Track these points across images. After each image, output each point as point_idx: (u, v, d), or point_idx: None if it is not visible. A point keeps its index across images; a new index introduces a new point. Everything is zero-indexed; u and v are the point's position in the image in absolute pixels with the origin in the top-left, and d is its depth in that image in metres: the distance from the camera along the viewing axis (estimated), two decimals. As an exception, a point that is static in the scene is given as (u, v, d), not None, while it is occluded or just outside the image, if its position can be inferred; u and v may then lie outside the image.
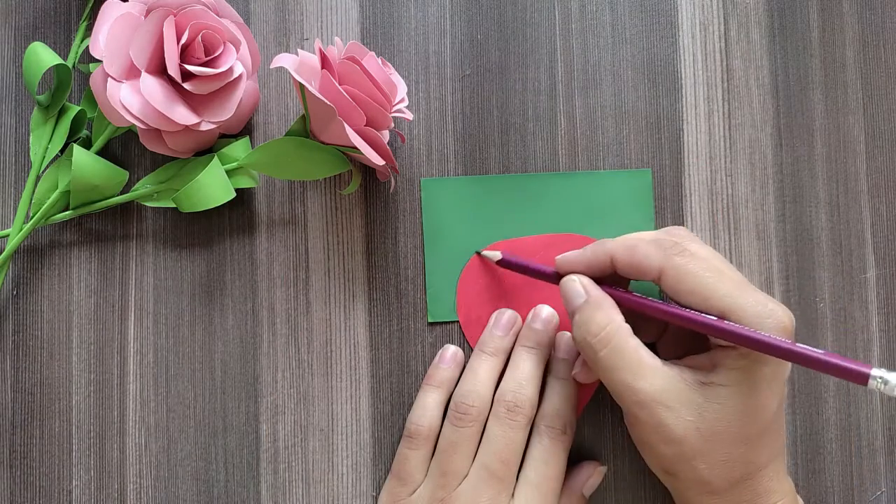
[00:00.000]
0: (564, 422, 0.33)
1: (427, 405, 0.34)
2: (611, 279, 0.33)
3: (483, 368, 0.34)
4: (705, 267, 0.30)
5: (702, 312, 0.30)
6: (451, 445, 0.33)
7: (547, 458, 0.33)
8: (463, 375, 0.35)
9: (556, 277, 0.34)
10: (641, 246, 0.31)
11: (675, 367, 0.30)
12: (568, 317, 0.33)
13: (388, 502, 0.34)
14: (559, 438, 0.33)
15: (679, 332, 0.34)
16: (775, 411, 0.30)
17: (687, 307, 0.30)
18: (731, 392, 0.29)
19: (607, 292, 0.32)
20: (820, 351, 0.28)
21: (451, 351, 0.36)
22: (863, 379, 0.27)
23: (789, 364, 0.30)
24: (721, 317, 0.29)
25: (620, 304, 0.32)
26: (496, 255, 0.35)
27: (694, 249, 0.30)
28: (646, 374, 0.30)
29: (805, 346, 0.28)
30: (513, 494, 0.32)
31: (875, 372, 0.27)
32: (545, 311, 0.35)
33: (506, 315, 0.35)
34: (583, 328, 0.31)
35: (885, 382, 0.26)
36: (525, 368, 0.34)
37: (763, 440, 0.30)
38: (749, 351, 0.29)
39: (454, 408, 0.33)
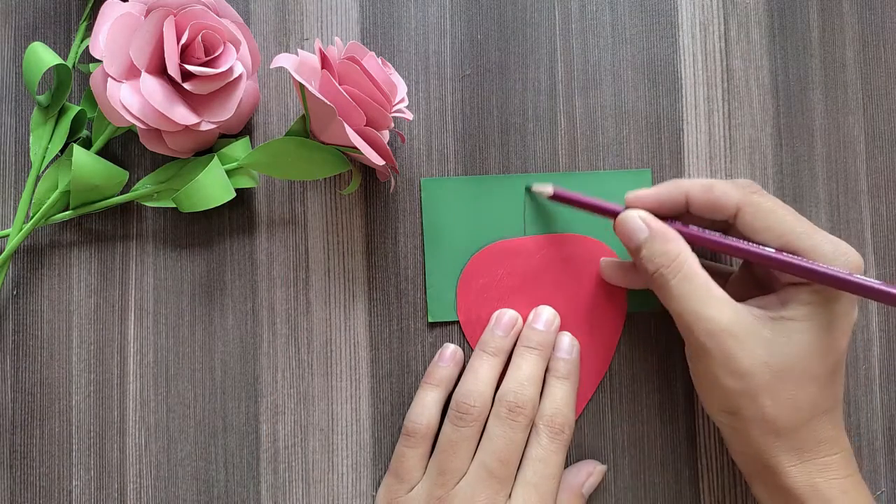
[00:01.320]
0: (563, 422, 0.33)
1: (426, 403, 0.34)
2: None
3: (484, 368, 0.34)
4: (781, 206, 0.31)
5: (775, 250, 0.30)
6: (451, 445, 0.33)
7: (545, 457, 0.33)
8: (464, 375, 0.35)
9: (619, 212, 0.33)
10: (720, 184, 0.32)
11: (743, 304, 0.31)
12: (630, 251, 0.33)
13: (385, 500, 0.34)
14: (558, 438, 0.33)
15: (742, 278, 0.34)
16: (843, 352, 0.30)
17: (762, 242, 0.31)
18: (803, 327, 0.29)
19: (683, 231, 0.32)
20: (877, 282, 0.28)
21: (451, 350, 0.36)
22: None
23: (856, 307, 0.31)
24: (796, 254, 0.30)
25: (688, 241, 0.32)
26: (547, 188, 0.35)
27: (768, 194, 0.32)
28: (715, 304, 0.30)
29: (883, 282, 0.28)
30: (510, 494, 0.32)
31: None
32: (547, 312, 0.35)
33: (507, 315, 0.35)
34: (655, 258, 0.31)
35: None
36: (526, 369, 0.34)
37: (830, 382, 0.30)
38: (822, 288, 0.29)
39: (455, 407, 0.33)
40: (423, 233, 0.37)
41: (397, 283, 0.37)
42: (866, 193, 0.37)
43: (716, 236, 0.32)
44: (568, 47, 0.38)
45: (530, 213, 0.37)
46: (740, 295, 0.32)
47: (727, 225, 0.32)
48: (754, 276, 0.34)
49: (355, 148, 0.31)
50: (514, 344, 0.35)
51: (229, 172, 0.35)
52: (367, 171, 0.37)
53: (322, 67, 0.32)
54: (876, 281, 0.28)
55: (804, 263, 0.29)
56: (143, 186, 0.35)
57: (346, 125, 0.31)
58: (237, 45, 0.34)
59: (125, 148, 0.37)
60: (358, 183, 0.36)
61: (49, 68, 0.34)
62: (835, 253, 0.30)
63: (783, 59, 0.38)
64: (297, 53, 0.33)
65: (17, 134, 0.37)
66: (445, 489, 0.32)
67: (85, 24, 0.36)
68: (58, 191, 0.34)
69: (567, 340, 0.35)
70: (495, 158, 0.37)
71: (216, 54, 0.33)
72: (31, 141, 0.35)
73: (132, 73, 0.32)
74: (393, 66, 0.36)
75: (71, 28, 0.37)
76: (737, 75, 0.38)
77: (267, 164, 0.34)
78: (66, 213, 0.35)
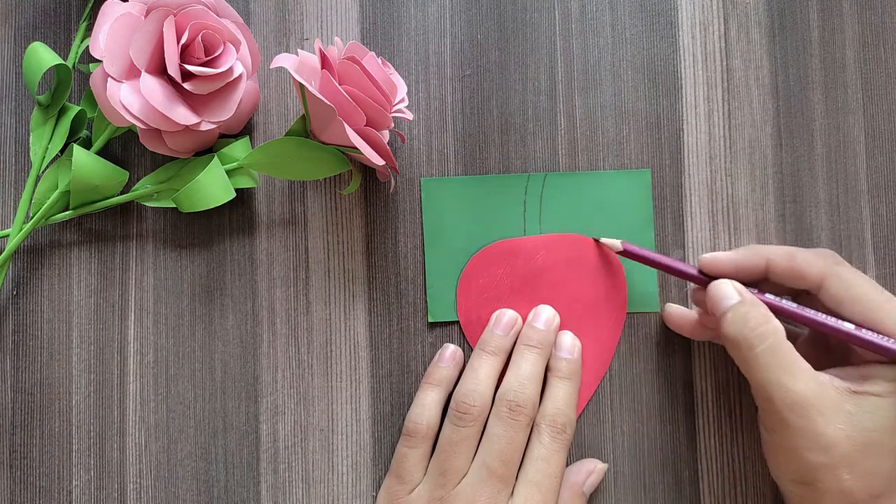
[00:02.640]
0: (565, 421, 0.33)
1: (426, 404, 0.34)
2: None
3: (484, 368, 0.34)
4: (864, 278, 0.31)
5: (859, 325, 0.30)
6: (452, 445, 0.33)
7: (547, 456, 0.33)
8: (463, 375, 0.35)
9: (695, 275, 0.33)
10: (803, 252, 0.32)
11: (826, 375, 0.30)
12: (715, 315, 0.32)
13: (386, 501, 0.34)
14: (560, 437, 0.33)
15: (813, 341, 0.34)
16: None
17: (844, 318, 0.30)
18: (886, 403, 0.29)
19: (760, 300, 0.32)
20: None
21: (451, 350, 0.36)
22: None
23: None
24: (879, 329, 0.30)
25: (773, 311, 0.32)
26: (616, 244, 0.35)
27: (849, 265, 0.31)
28: (800, 376, 0.29)
29: None
30: (512, 493, 0.32)
31: None
32: (547, 311, 0.35)
33: (507, 315, 0.35)
34: (740, 322, 0.31)
35: None
36: (526, 368, 0.34)
37: None
38: None
39: (455, 407, 0.33)
40: (423, 233, 0.37)
41: (397, 283, 0.37)
42: (866, 193, 0.37)
43: (799, 309, 0.31)
44: (568, 47, 0.38)
45: (530, 213, 0.37)
46: (811, 358, 0.32)
47: (803, 293, 0.32)
48: (825, 341, 0.33)
49: (355, 148, 0.31)
50: (514, 344, 0.35)
51: (229, 172, 0.35)
52: (367, 171, 0.37)
53: (322, 67, 0.32)
54: None
55: (889, 345, 0.29)
56: (143, 186, 0.35)
57: (346, 125, 0.31)
58: (237, 45, 0.34)
59: (125, 148, 0.37)
60: (358, 183, 0.36)
61: (49, 68, 0.34)
62: None
63: (783, 59, 0.38)
64: (297, 53, 0.33)
65: (17, 134, 0.37)
66: (447, 489, 0.32)
67: (85, 24, 0.36)
68: (58, 191, 0.34)
69: (569, 340, 0.35)
70: (495, 158, 0.37)
71: (216, 54, 0.33)
72: (31, 141, 0.35)
73: (132, 73, 0.32)
74: (393, 66, 0.36)
75: (71, 28, 0.37)
76: (737, 75, 0.38)
77: (267, 164, 0.34)
78: (66, 213, 0.35)
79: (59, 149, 0.35)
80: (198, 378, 0.36)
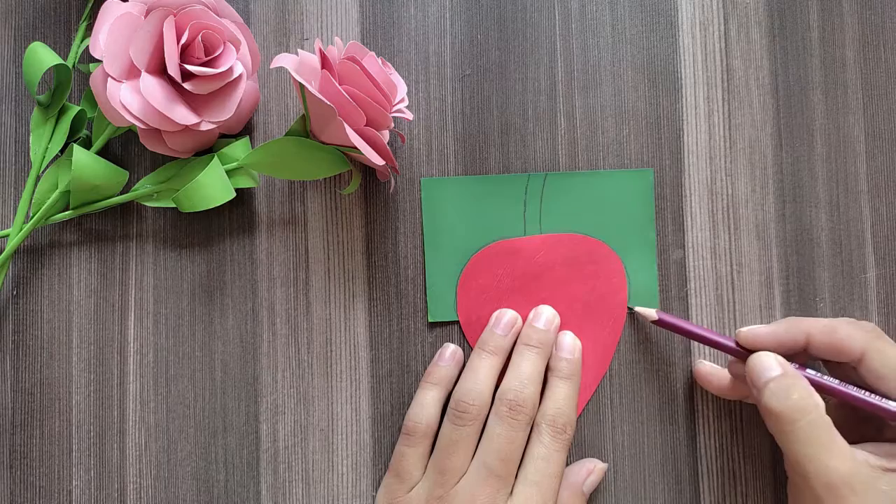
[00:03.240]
0: (566, 421, 0.33)
1: (425, 402, 0.34)
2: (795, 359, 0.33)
3: (483, 367, 0.34)
4: None
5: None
6: (451, 444, 0.33)
7: (548, 456, 0.33)
8: (463, 374, 0.35)
9: (733, 348, 0.33)
10: (843, 326, 0.32)
11: (862, 452, 0.30)
12: (754, 390, 0.32)
13: (385, 500, 0.34)
14: (560, 437, 0.33)
15: (852, 416, 0.33)
16: None
17: (885, 392, 0.30)
18: None
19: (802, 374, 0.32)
20: None
21: (451, 350, 0.36)
22: None
23: None
24: None
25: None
26: (652, 314, 0.35)
27: (887, 337, 0.31)
28: (838, 454, 0.29)
29: None
30: (511, 492, 0.32)
31: None
32: (547, 311, 0.35)
33: (507, 315, 0.35)
34: (782, 395, 0.31)
35: None
36: (526, 367, 0.34)
37: None
38: None
39: (454, 406, 0.33)
40: (423, 233, 0.37)
41: (397, 283, 0.37)
42: (866, 193, 0.37)
43: (841, 386, 0.31)
44: (568, 47, 0.38)
45: (531, 213, 0.37)
46: (843, 427, 0.32)
47: (841, 366, 0.32)
48: (861, 411, 0.33)
49: (355, 148, 0.31)
50: (514, 343, 0.35)
51: (229, 172, 0.35)
52: (367, 171, 0.37)
53: (322, 67, 0.32)
54: None
55: None
56: (143, 186, 0.35)
57: (346, 125, 0.31)
58: (237, 45, 0.34)
59: (125, 148, 0.37)
60: (358, 183, 0.36)
61: (49, 68, 0.34)
62: None
63: (783, 59, 0.38)
64: (297, 53, 0.33)
65: (17, 134, 0.37)
66: (445, 488, 0.32)
67: (85, 24, 0.36)
68: (58, 191, 0.34)
69: (569, 340, 0.35)
70: (495, 158, 0.37)
71: (216, 54, 0.33)
72: (31, 141, 0.35)
73: (132, 73, 0.32)
74: (393, 66, 0.36)
75: (71, 28, 0.37)
76: (737, 75, 0.38)
77: (267, 164, 0.34)
78: (66, 213, 0.35)
79: (59, 149, 0.35)
80: (198, 378, 0.36)
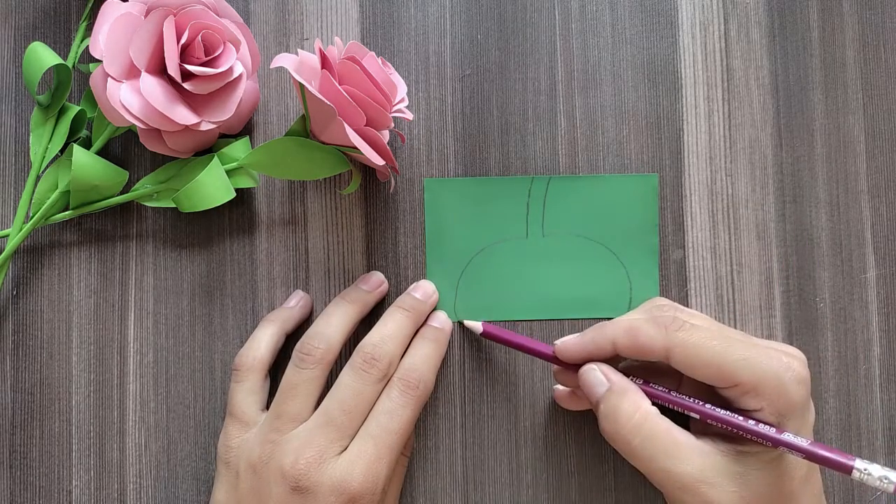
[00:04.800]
0: (419, 378, 0.32)
1: (255, 337, 0.34)
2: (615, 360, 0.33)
3: (337, 313, 0.33)
4: (709, 336, 0.30)
5: (717, 385, 0.30)
6: (291, 387, 0.32)
7: (392, 410, 0.31)
8: (315, 320, 0.34)
9: (553, 357, 0.33)
10: (643, 328, 0.30)
11: (710, 442, 0.30)
12: (592, 407, 0.32)
13: (221, 443, 0.33)
14: (409, 392, 0.32)
15: (693, 383, 0.33)
16: (806, 471, 0.30)
17: (702, 380, 0.30)
18: (770, 457, 0.29)
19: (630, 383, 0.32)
20: (805, 441, 0.28)
21: (300, 295, 0.36)
22: (847, 469, 0.27)
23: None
24: (738, 382, 0.29)
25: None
26: (478, 326, 0.35)
27: (690, 320, 0.31)
28: (684, 456, 0.29)
29: (811, 442, 0.28)
30: (348, 446, 0.31)
31: (859, 464, 0.27)
32: (427, 286, 0.36)
33: (376, 276, 0.36)
34: (611, 418, 0.30)
35: (869, 473, 0.27)
36: (391, 325, 0.33)
37: (808, 494, 0.30)
38: (778, 417, 0.29)
39: (298, 348, 0.33)
40: (424, 233, 0.37)
41: (397, 283, 0.37)
42: (866, 193, 0.37)
43: (669, 394, 0.31)
44: (568, 47, 0.38)
45: (533, 216, 0.37)
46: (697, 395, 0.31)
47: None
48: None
49: (355, 148, 0.31)
50: (377, 304, 0.36)
51: (229, 172, 0.35)
52: (367, 171, 0.37)
53: (322, 67, 0.31)
54: (804, 440, 0.28)
55: (744, 424, 0.29)
56: (143, 186, 0.35)
57: (346, 125, 0.31)
58: (237, 45, 0.34)
59: (125, 148, 0.37)
60: (358, 183, 0.36)
61: (49, 68, 0.34)
62: (777, 371, 0.29)
63: (783, 59, 0.38)
64: (297, 53, 0.33)
65: (17, 134, 0.37)
66: (281, 433, 0.31)
67: (85, 24, 0.36)
68: (58, 191, 0.34)
69: (443, 316, 0.35)
70: (495, 158, 0.37)
71: (216, 54, 0.33)
72: (31, 141, 0.35)
73: (132, 73, 0.32)
74: (393, 66, 0.36)
75: (71, 28, 0.37)
76: (737, 75, 0.38)
77: (267, 164, 0.34)
78: (66, 213, 0.35)
79: (59, 149, 0.35)
80: (198, 378, 0.36)
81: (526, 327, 0.37)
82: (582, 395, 0.34)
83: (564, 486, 0.36)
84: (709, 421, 0.30)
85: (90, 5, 0.36)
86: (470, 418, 0.36)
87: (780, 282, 0.37)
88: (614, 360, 0.32)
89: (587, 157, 0.37)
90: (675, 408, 0.31)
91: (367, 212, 0.37)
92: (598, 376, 0.31)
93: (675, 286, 0.37)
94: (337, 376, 0.33)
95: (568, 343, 0.33)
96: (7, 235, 0.35)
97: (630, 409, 0.30)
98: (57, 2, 0.37)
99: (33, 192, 0.35)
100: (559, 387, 0.36)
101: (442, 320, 0.35)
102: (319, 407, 0.32)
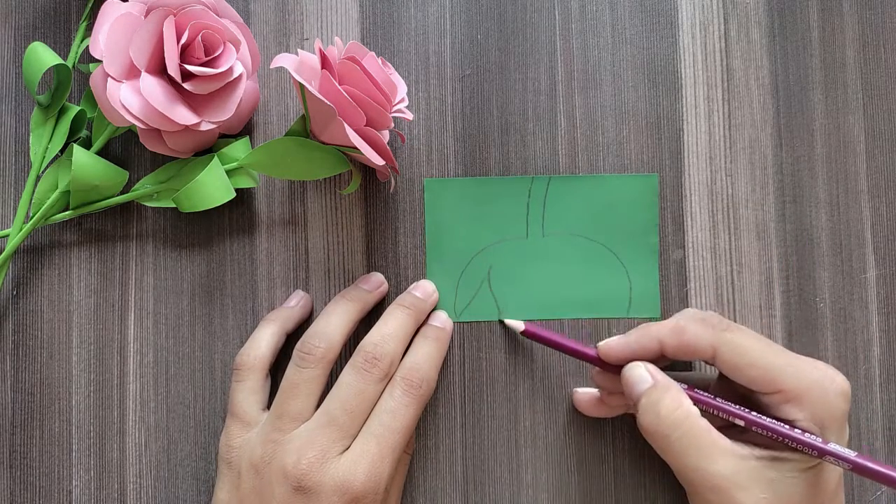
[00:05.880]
0: (421, 377, 0.32)
1: (256, 337, 0.34)
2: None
3: (337, 312, 0.33)
4: (757, 339, 0.31)
5: (758, 390, 0.30)
6: (292, 386, 0.32)
7: (395, 409, 0.31)
8: (316, 319, 0.34)
9: (596, 359, 0.34)
10: (690, 326, 0.31)
11: (746, 446, 0.30)
12: (632, 406, 0.32)
13: (222, 443, 0.33)
14: (412, 392, 0.32)
15: (721, 387, 0.33)
16: (836, 484, 0.30)
17: (745, 382, 0.30)
18: (804, 467, 0.29)
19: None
20: (852, 453, 0.28)
21: (300, 295, 0.36)
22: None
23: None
24: (783, 388, 0.29)
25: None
26: (519, 325, 0.35)
27: (736, 325, 0.31)
28: (719, 457, 0.29)
29: (857, 454, 0.28)
30: (350, 445, 0.31)
31: None
32: (428, 285, 0.36)
33: (377, 276, 0.36)
34: (651, 411, 0.30)
35: None
36: (392, 324, 0.33)
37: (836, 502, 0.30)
38: (818, 428, 0.29)
39: (299, 347, 0.33)
40: (424, 233, 0.37)
41: (397, 282, 0.37)
42: (866, 193, 0.37)
43: (717, 401, 0.31)
44: (568, 47, 0.38)
45: (534, 216, 0.37)
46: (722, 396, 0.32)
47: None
48: (733, 386, 0.33)
49: (355, 148, 0.31)
50: (377, 304, 0.36)
51: (229, 172, 0.35)
52: (367, 171, 0.37)
53: (322, 67, 0.31)
54: (850, 452, 0.28)
55: (790, 433, 0.29)
56: (143, 186, 0.35)
57: (346, 125, 0.31)
58: (237, 45, 0.34)
59: (125, 148, 0.37)
60: (358, 183, 0.36)
61: (49, 68, 0.34)
62: (822, 382, 0.29)
63: (783, 59, 0.38)
64: (297, 53, 0.33)
65: (17, 134, 0.37)
66: (283, 433, 0.31)
67: (85, 24, 0.36)
68: (58, 191, 0.34)
69: (444, 315, 0.36)
70: (495, 158, 0.37)
71: (216, 54, 0.33)
72: (31, 141, 0.35)
73: (132, 73, 0.32)
74: (393, 66, 0.36)
75: (71, 28, 0.37)
76: (737, 75, 0.38)
77: (267, 164, 0.34)
78: (66, 213, 0.35)
79: (59, 149, 0.35)
80: (198, 378, 0.36)
81: (526, 327, 0.37)
82: (610, 401, 0.34)
83: (564, 486, 0.36)
84: (753, 428, 0.30)
85: (90, 5, 0.36)
86: (470, 418, 0.36)
87: (780, 282, 0.37)
88: (657, 363, 0.33)
89: (587, 157, 0.37)
90: (719, 413, 0.31)
91: (367, 212, 0.37)
92: (643, 373, 0.32)
93: (675, 286, 0.37)
94: (337, 376, 0.33)
95: (612, 343, 0.33)
96: (7, 235, 0.35)
97: (672, 405, 0.30)
98: (57, 2, 0.37)
99: (33, 192, 0.35)
100: (581, 391, 0.36)
101: (443, 320, 0.35)
102: (321, 406, 0.32)
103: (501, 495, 0.36)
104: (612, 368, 0.33)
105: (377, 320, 0.34)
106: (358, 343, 0.33)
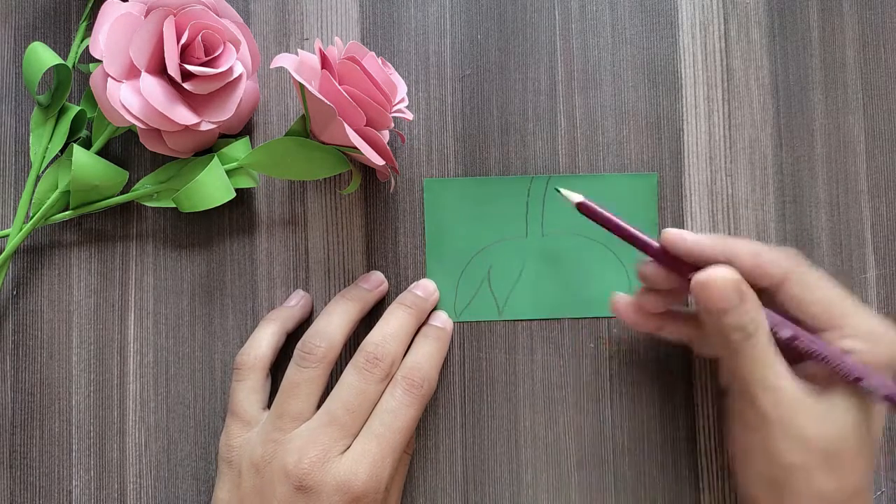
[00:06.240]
0: (422, 376, 0.32)
1: (256, 336, 0.34)
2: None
3: (337, 312, 0.33)
4: (826, 280, 0.31)
5: (817, 326, 0.30)
6: (293, 386, 0.32)
7: (396, 409, 0.31)
8: (316, 318, 0.34)
9: (658, 250, 0.31)
10: (767, 252, 0.31)
11: (797, 378, 0.30)
12: (707, 311, 0.30)
13: (223, 442, 0.33)
14: (413, 391, 0.32)
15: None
16: (880, 430, 0.31)
17: (805, 315, 0.30)
18: (857, 401, 0.29)
19: None
20: None
21: (300, 294, 0.36)
22: None
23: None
24: (844, 325, 0.30)
25: None
26: (577, 196, 0.32)
27: (812, 267, 0.31)
28: (784, 375, 0.29)
29: None
30: (351, 445, 0.31)
31: None
32: (428, 284, 0.36)
33: (376, 275, 0.36)
34: (740, 308, 0.29)
35: None
36: (394, 323, 0.33)
37: (871, 458, 0.30)
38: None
39: (300, 347, 0.33)
40: (424, 233, 0.37)
41: (397, 282, 0.37)
42: (866, 193, 0.37)
43: (803, 334, 0.31)
44: (568, 47, 0.38)
45: (533, 216, 0.37)
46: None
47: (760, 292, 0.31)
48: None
49: (355, 148, 0.31)
50: (377, 304, 0.36)
51: (229, 172, 0.35)
52: (367, 171, 0.37)
53: (322, 67, 0.32)
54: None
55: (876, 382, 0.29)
56: (143, 186, 0.35)
57: (346, 125, 0.31)
58: (237, 45, 0.34)
59: (125, 148, 0.37)
60: (358, 183, 0.36)
61: (49, 68, 0.34)
62: (880, 327, 0.30)
63: (783, 59, 0.38)
64: (297, 53, 0.33)
65: (17, 134, 0.37)
66: (283, 432, 0.31)
67: (85, 24, 0.36)
68: (58, 191, 0.34)
69: (444, 315, 0.36)
70: (495, 158, 0.37)
71: (216, 54, 0.33)
72: (31, 141, 0.35)
73: (132, 73, 0.32)
74: (393, 66, 0.36)
75: (71, 28, 0.37)
76: (737, 75, 0.38)
77: (267, 164, 0.34)
78: (66, 213, 0.35)
79: (59, 149, 0.35)
80: (198, 378, 0.36)
81: (526, 327, 0.37)
82: (646, 304, 0.33)
83: (564, 486, 0.36)
84: (812, 349, 0.30)
85: (90, 5, 0.36)
86: (470, 418, 0.36)
87: (780, 282, 0.37)
88: (671, 300, 0.32)
89: (587, 157, 0.37)
90: (783, 336, 0.30)
91: (367, 212, 0.37)
92: (738, 286, 0.30)
93: (675, 286, 0.37)
94: (337, 375, 0.33)
95: (685, 236, 0.31)
96: (7, 235, 0.35)
97: (755, 308, 0.30)
98: (57, 2, 0.37)
99: (33, 192, 0.35)
100: (622, 296, 0.34)
101: (443, 319, 0.36)
102: (322, 406, 0.32)
103: (501, 495, 0.36)
104: (671, 263, 0.31)
105: (377, 319, 0.34)
106: (358, 342, 0.33)
